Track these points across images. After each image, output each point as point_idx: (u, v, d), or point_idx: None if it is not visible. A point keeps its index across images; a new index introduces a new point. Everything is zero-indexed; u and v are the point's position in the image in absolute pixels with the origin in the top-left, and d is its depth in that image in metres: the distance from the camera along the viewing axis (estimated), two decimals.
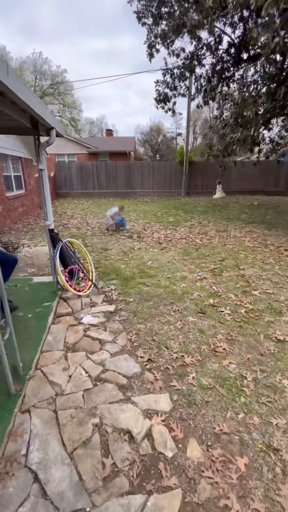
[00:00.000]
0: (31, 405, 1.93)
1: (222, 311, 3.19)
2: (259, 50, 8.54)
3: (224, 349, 2.54)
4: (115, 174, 15.42)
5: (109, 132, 29.05)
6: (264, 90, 7.79)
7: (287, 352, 2.51)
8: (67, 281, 3.45)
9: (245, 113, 7.33)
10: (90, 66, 61.51)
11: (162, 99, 10.16)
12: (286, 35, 5.25)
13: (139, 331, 2.84)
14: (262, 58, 7.30)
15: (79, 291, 3.56)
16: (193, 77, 10.18)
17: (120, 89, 74.61)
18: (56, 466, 1.55)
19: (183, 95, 10.53)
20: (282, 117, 8.00)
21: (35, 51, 47.88)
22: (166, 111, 10.59)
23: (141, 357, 2.43)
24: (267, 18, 5.38)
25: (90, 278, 3.82)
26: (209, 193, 15.84)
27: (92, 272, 3.98)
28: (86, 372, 2.24)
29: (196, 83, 10.22)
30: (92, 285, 3.76)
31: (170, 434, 1.74)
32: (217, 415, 1.88)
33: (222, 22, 8.72)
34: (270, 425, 1.80)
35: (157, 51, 9.32)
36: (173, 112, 10.79)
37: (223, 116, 9.34)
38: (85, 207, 12.06)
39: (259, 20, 8.18)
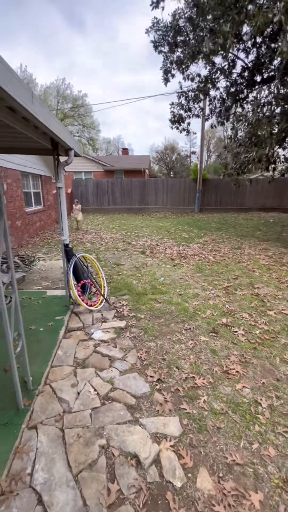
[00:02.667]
0: (38, 421, 1.92)
1: (236, 331, 3.09)
2: (272, 73, 8.78)
3: (237, 371, 2.43)
4: (130, 190, 15.80)
5: (125, 150, 30.08)
6: (278, 110, 7.90)
7: None
8: (79, 296, 3.49)
9: (259, 133, 7.41)
10: (114, 96, 68.04)
11: (177, 120, 10.55)
12: None
13: (150, 349, 2.79)
14: (276, 80, 7.48)
15: (90, 305, 3.58)
16: (207, 99, 10.54)
17: (137, 114, 78.73)
18: (60, 488, 1.51)
19: (197, 116, 10.87)
20: None
21: (59, 77, 51.58)
22: (181, 131, 10.95)
23: (150, 376, 2.38)
24: None
25: (102, 293, 3.84)
26: (223, 210, 15.82)
27: (104, 287, 4.01)
28: (95, 390, 2.21)
29: (210, 105, 10.57)
30: (104, 300, 3.78)
31: (179, 462, 1.66)
32: (230, 443, 1.78)
33: (236, 48, 9.10)
34: (287, 458, 1.68)
35: (173, 76, 9.80)
36: (187, 132, 11.14)
37: (238, 136, 9.49)
38: (100, 222, 12.34)
39: (272, 45, 8.50)
